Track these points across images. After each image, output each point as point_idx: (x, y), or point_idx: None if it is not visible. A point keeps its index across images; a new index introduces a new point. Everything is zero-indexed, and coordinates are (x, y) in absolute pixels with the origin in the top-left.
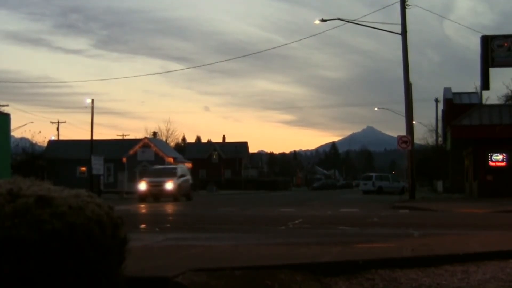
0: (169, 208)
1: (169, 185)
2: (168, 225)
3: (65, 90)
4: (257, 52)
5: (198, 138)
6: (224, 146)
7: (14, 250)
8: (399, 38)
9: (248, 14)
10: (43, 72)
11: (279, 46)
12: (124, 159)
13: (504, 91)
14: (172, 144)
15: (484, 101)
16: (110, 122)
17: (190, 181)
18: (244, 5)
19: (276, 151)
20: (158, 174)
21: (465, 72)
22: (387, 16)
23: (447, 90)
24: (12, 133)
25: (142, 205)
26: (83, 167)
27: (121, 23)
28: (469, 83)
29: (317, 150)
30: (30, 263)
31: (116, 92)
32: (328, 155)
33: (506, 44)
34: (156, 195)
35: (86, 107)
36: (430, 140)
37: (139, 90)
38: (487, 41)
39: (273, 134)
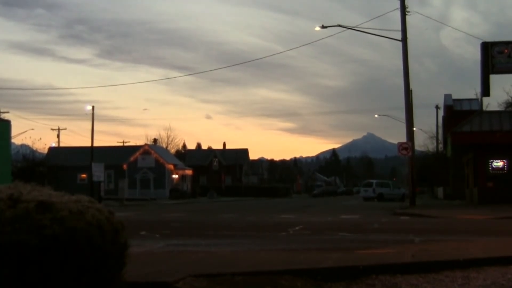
0: (170, 215)
1: None
2: (169, 231)
3: (67, 98)
4: (257, 59)
5: (199, 145)
6: (225, 153)
7: (14, 255)
8: (397, 46)
9: (248, 25)
10: (47, 81)
11: (279, 53)
12: (125, 166)
13: (504, 97)
14: (173, 151)
15: (484, 108)
16: (112, 130)
17: None
18: (245, 16)
19: (277, 158)
20: None
21: (463, 80)
22: (386, 25)
23: (447, 96)
24: (13, 140)
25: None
26: (83, 174)
27: (125, 34)
28: (467, 91)
29: (317, 157)
30: (31, 268)
31: (119, 100)
32: (329, 162)
33: (506, 51)
34: None
35: (86, 114)
36: (431, 146)
37: (141, 98)
38: (487, 48)
39: (274, 142)
